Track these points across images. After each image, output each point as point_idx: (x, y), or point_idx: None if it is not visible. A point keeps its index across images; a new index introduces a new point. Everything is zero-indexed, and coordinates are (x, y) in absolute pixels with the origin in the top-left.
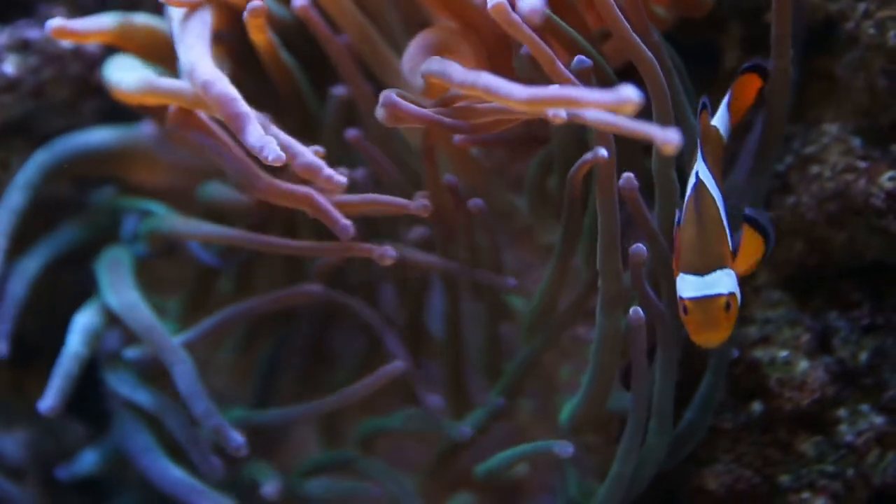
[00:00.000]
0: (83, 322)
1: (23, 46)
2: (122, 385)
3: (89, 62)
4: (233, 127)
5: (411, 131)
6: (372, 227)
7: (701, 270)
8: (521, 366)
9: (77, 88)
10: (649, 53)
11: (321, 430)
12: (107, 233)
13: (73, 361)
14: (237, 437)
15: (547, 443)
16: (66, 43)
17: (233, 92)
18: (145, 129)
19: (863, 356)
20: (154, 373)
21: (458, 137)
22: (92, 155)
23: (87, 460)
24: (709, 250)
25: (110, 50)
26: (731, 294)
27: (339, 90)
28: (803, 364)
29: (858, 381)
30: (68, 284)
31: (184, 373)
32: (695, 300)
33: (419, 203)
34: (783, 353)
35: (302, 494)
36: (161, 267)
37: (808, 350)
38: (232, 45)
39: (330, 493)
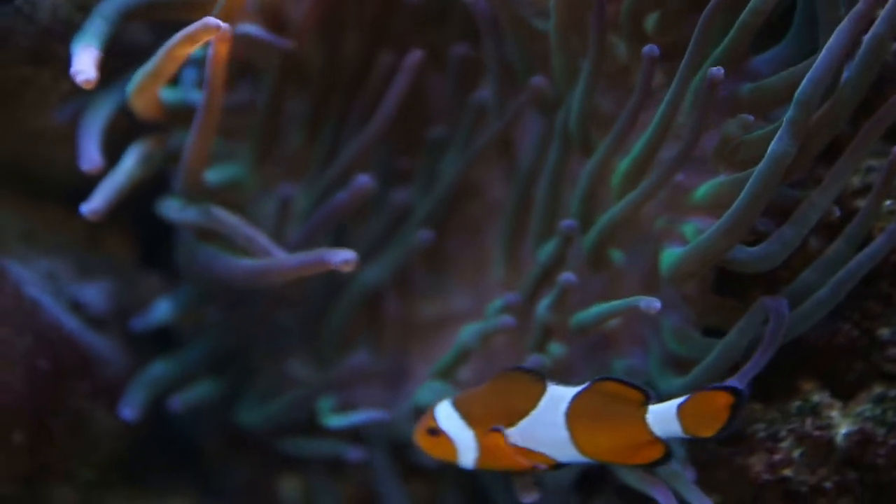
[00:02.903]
0: (138, 147)
1: None
2: (170, 210)
3: None
4: None
5: None
6: None
7: (461, 411)
8: (615, 216)
9: None
10: None
11: None
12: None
13: (123, 175)
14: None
15: (635, 298)
16: None
17: None
18: None
19: None
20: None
21: None
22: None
23: (161, 309)
24: (475, 404)
25: None
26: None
27: None
28: None
29: None
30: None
31: None
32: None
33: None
34: (886, 203)
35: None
36: (228, 117)
37: None
38: None
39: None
